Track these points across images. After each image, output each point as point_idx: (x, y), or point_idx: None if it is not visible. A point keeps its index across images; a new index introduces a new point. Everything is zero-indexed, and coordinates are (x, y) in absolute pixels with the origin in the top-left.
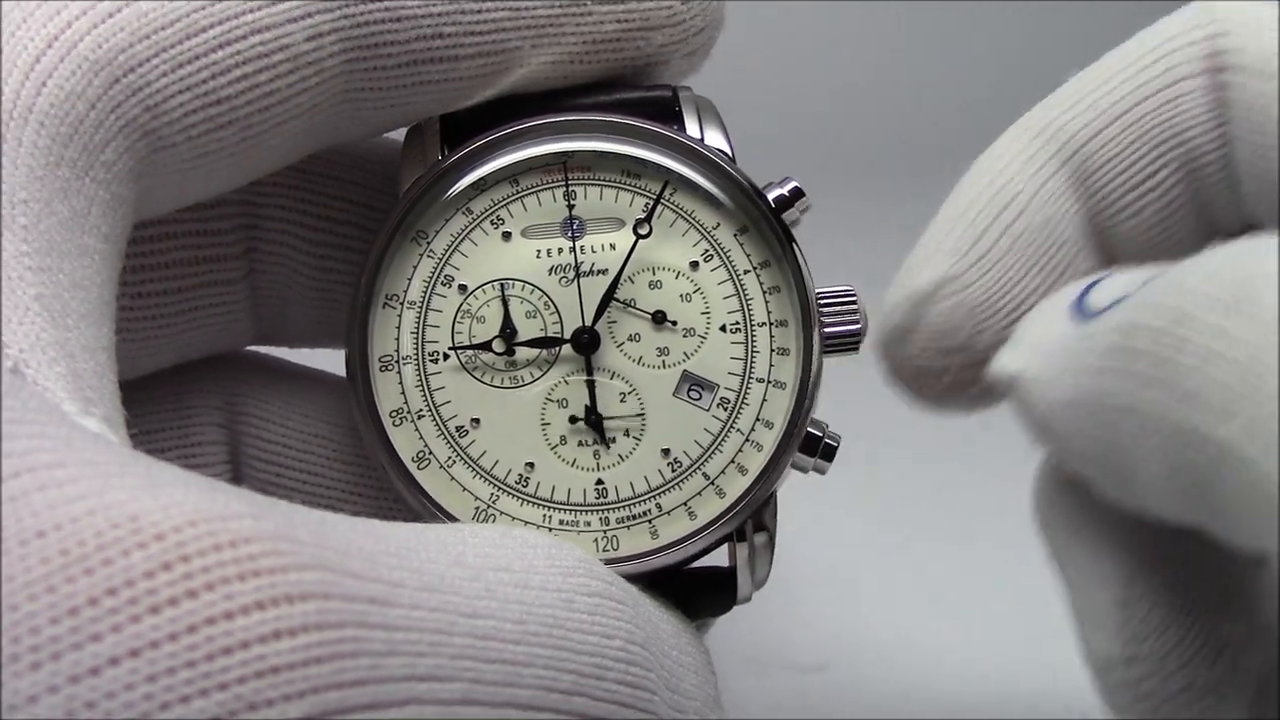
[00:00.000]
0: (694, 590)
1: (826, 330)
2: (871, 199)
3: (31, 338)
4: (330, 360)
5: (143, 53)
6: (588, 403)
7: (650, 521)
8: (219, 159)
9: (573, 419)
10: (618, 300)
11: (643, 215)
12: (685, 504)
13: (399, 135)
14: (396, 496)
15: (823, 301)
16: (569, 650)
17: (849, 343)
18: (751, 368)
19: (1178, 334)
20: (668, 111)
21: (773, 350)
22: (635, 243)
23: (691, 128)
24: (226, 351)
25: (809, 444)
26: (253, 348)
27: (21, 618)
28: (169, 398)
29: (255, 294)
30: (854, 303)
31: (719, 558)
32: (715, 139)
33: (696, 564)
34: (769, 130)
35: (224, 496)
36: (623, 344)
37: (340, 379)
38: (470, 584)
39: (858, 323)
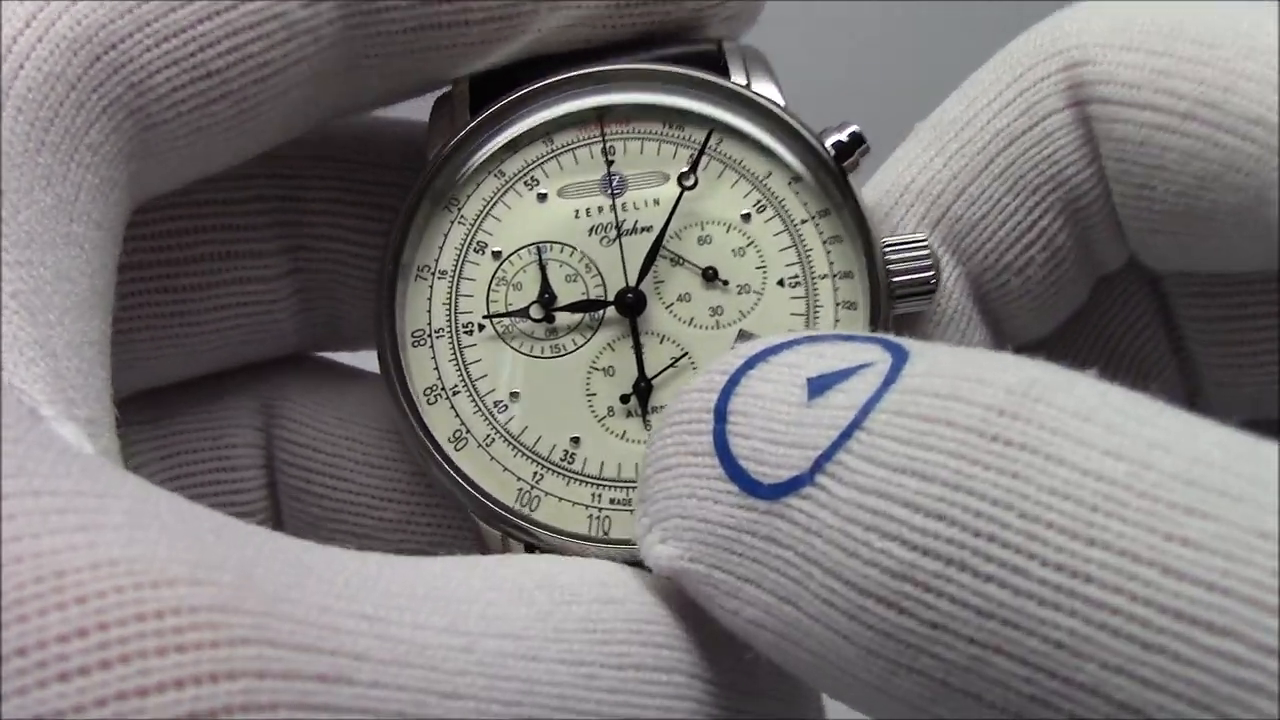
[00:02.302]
0: None
1: (895, 280)
2: None
3: (9, 337)
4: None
5: (124, 28)
6: (635, 370)
7: None
8: (215, 134)
9: (623, 397)
10: (665, 256)
11: (687, 167)
12: None
13: None
14: (431, 482)
15: (890, 250)
16: None
17: (921, 292)
18: (815, 324)
19: (929, 609)
20: (710, 62)
21: (837, 304)
22: (680, 195)
23: (737, 76)
24: (271, 355)
25: None
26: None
27: None
28: (206, 397)
29: (302, 294)
30: (925, 249)
31: None
32: (764, 86)
33: None
34: (822, 83)
35: (171, 548)
36: (671, 304)
37: (366, 372)
38: (458, 656)
39: (930, 270)
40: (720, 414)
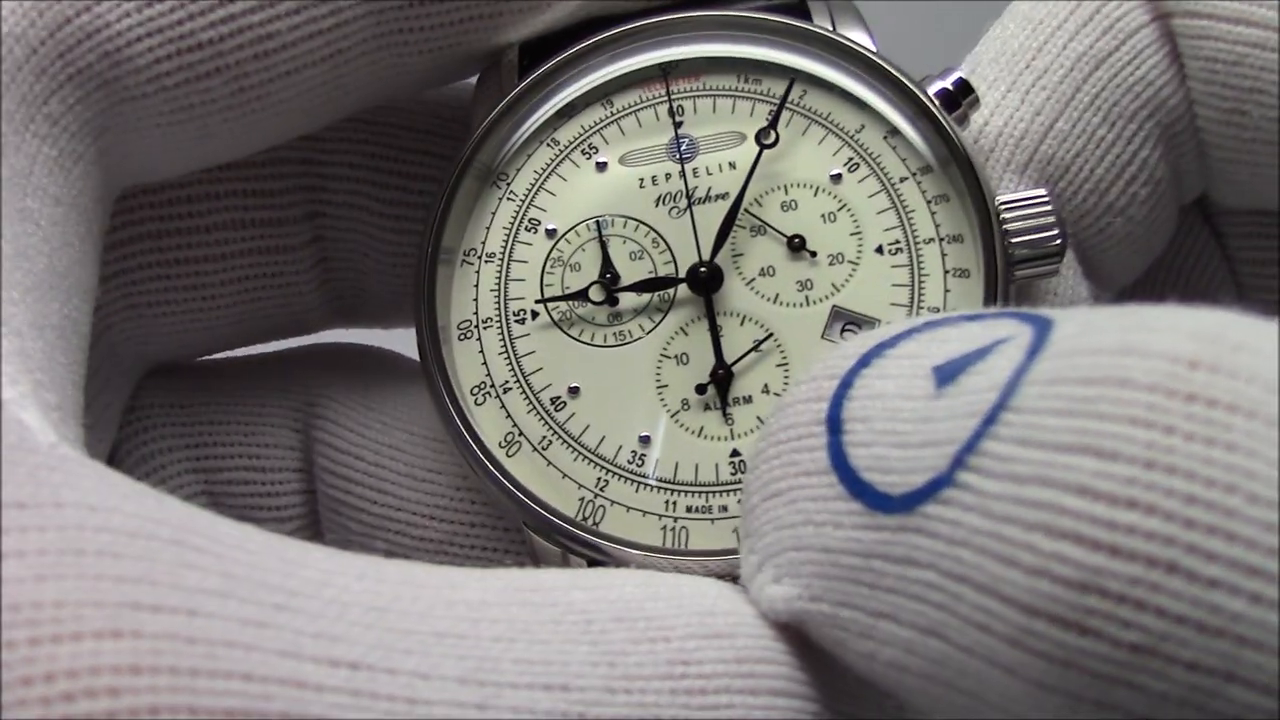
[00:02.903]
0: None
1: (1014, 242)
2: None
3: None
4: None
5: None
6: (712, 356)
7: None
8: (212, 114)
9: (700, 387)
10: (743, 225)
11: (766, 124)
12: None
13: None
14: (480, 493)
15: (1007, 209)
16: None
17: (1046, 256)
18: (921, 296)
19: (1130, 629)
20: (789, 7)
21: (946, 272)
22: (759, 155)
23: (821, 20)
24: (298, 332)
25: None
26: (347, 341)
27: None
28: (241, 386)
29: (325, 265)
30: (1048, 205)
31: None
32: (853, 32)
33: None
34: (921, 35)
35: (89, 589)
36: (753, 280)
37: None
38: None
39: (1055, 230)
40: (834, 424)
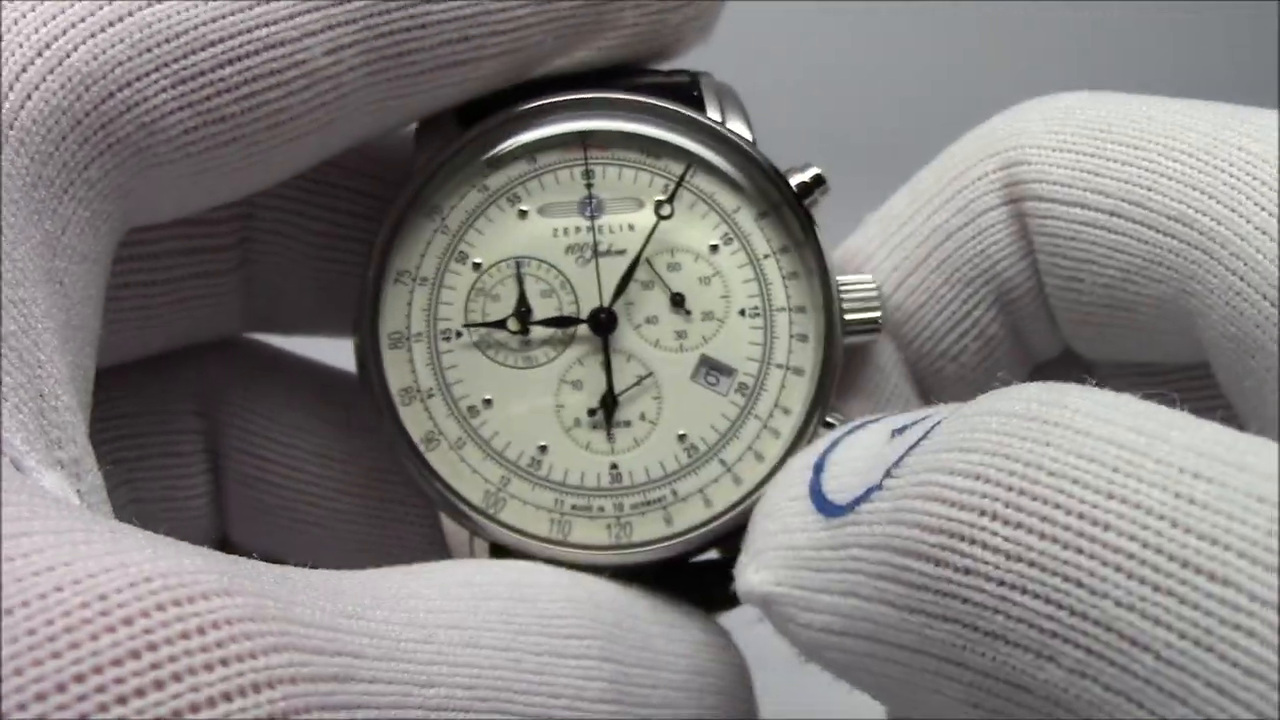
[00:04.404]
0: (708, 581)
1: (846, 317)
2: (888, 187)
3: None
4: (323, 347)
5: (142, 67)
6: (604, 385)
7: (665, 508)
8: (221, 175)
9: (590, 410)
10: (636, 279)
11: (663, 196)
12: (701, 491)
13: None
14: (404, 479)
15: (843, 288)
16: (515, 715)
17: (868, 329)
18: (770, 353)
19: (963, 557)
20: (687, 96)
21: (792, 336)
22: (657, 224)
23: (713, 112)
24: (214, 337)
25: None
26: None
27: None
28: (149, 382)
29: (248, 284)
30: (874, 290)
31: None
32: (736, 124)
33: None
34: (786, 118)
35: (193, 562)
36: (640, 325)
37: (331, 367)
38: (423, 647)
39: (877, 310)
40: (818, 467)
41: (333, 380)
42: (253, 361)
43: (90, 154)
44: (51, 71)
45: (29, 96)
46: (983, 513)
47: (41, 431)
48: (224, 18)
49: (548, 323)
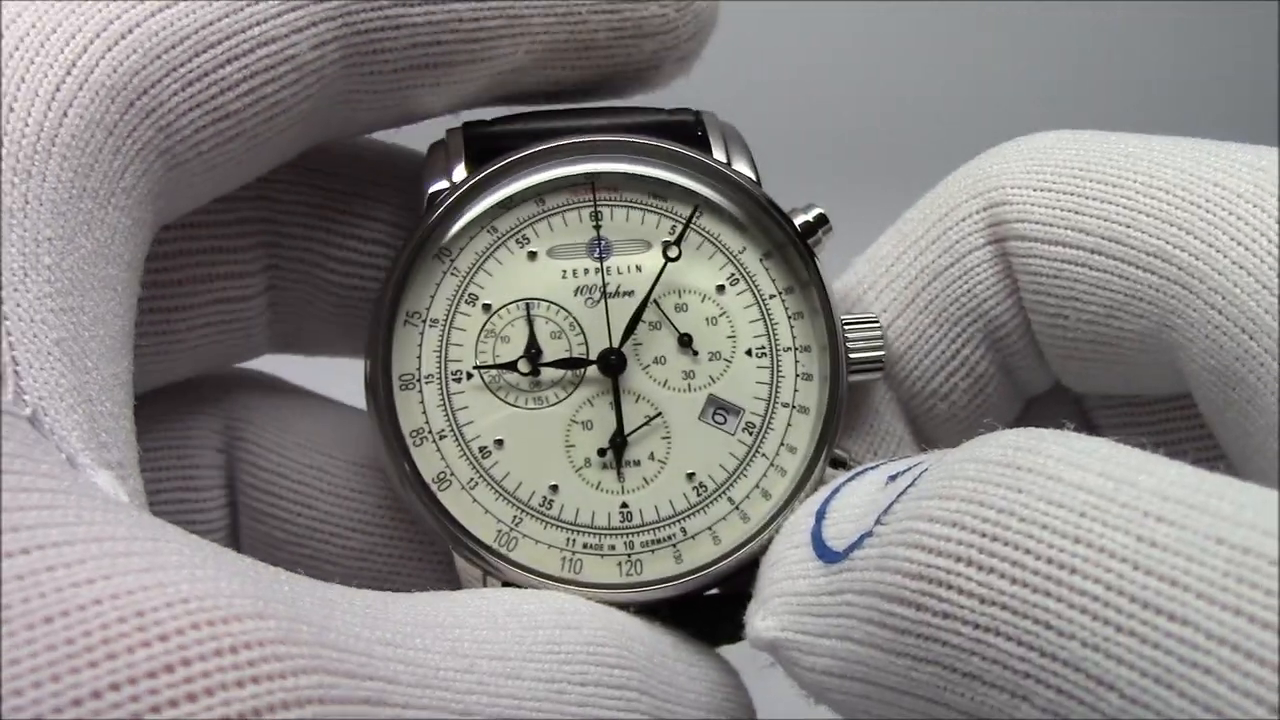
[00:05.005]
0: (718, 616)
1: (851, 355)
2: (888, 213)
3: (51, 384)
4: (342, 378)
5: (155, 73)
6: (613, 425)
7: (675, 546)
8: (225, 170)
9: (600, 450)
10: (644, 320)
11: (670, 238)
12: (710, 528)
13: (423, 148)
14: (415, 518)
15: (847, 327)
16: None
17: (872, 368)
18: (777, 392)
19: (941, 602)
20: (691, 136)
21: (797, 375)
22: (664, 265)
23: (717, 152)
24: (238, 362)
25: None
26: (262, 370)
27: (26, 704)
28: (171, 413)
29: (273, 309)
30: (878, 328)
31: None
32: (741, 164)
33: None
34: (784, 143)
35: (230, 584)
36: (648, 366)
37: (344, 406)
38: (463, 677)
39: (881, 349)
40: (820, 514)
41: (346, 418)
42: (270, 399)
43: (124, 162)
44: (81, 87)
45: (65, 114)
46: (958, 559)
47: (93, 434)
48: (221, 19)
49: (558, 364)
